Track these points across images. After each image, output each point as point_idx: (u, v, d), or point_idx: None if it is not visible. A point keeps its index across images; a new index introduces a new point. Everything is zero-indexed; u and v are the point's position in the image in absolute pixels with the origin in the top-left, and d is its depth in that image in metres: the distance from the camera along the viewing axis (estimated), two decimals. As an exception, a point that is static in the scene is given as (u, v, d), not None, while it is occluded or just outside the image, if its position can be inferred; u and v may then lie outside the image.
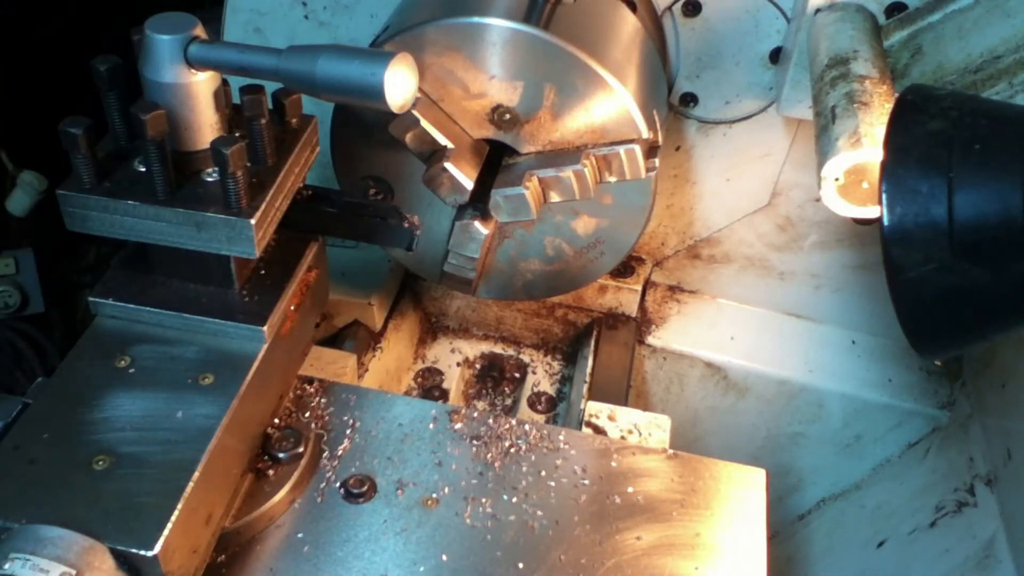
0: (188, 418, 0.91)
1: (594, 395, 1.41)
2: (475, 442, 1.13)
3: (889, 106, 0.95)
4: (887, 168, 0.85)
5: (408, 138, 1.11)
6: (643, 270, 1.58)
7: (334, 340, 1.47)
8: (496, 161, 1.17)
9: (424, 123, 1.09)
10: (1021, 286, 0.82)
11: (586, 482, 1.10)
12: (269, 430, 1.07)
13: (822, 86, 1.05)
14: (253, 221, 0.91)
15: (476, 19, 1.04)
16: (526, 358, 1.59)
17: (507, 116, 1.11)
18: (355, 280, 1.48)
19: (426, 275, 1.32)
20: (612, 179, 1.11)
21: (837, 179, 0.94)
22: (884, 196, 0.84)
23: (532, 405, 1.50)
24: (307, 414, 1.13)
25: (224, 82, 0.96)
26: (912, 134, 0.86)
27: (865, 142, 0.91)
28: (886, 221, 0.84)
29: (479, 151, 1.16)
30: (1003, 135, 0.83)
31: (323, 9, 1.39)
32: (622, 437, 1.21)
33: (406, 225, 1.08)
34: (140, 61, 0.90)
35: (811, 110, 1.07)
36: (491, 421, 1.15)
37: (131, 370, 0.95)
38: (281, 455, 1.06)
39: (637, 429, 1.23)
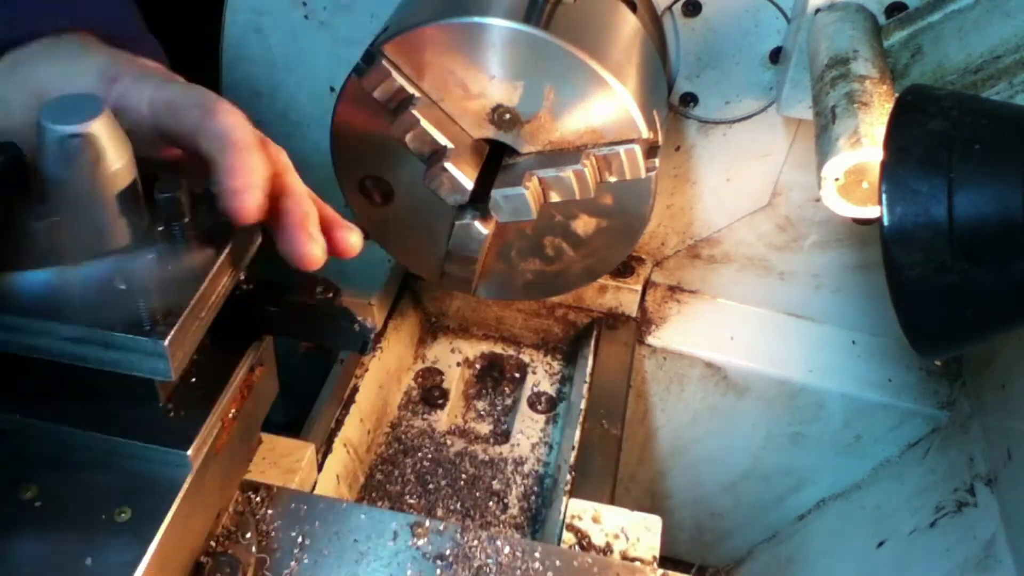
0: (99, 567, 0.78)
1: (594, 394, 1.41)
2: (439, 562, 1.00)
3: (889, 106, 0.95)
4: (887, 168, 0.85)
5: (408, 138, 1.11)
6: (643, 270, 1.58)
7: (334, 340, 1.47)
8: (496, 161, 1.17)
9: (424, 123, 1.09)
10: (1021, 286, 0.82)
11: None
12: (202, 558, 0.94)
13: (822, 86, 1.05)
14: (166, 343, 0.77)
15: (476, 19, 1.04)
16: (526, 358, 1.59)
17: (507, 116, 1.11)
18: (355, 280, 1.48)
19: (426, 275, 1.32)
20: (612, 179, 1.11)
21: (837, 179, 0.94)
22: (884, 196, 0.84)
23: (532, 405, 1.50)
24: (248, 534, 0.98)
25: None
26: (912, 134, 0.86)
27: (865, 142, 0.91)
28: (886, 221, 0.84)
29: (479, 151, 1.16)
30: (1003, 135, 0.83)
31: (323, 9, 1.39)
32: (607, 544, 1.10)
33: (357, 328, 0.97)
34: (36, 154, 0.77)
35: (811, 110, 1.07)
36: (458, 536, 1.02)
37: (37, 503, 0.82)
38: None
39: (624, 533, 1.11)
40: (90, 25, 0.93)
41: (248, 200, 0.82)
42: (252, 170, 0.82)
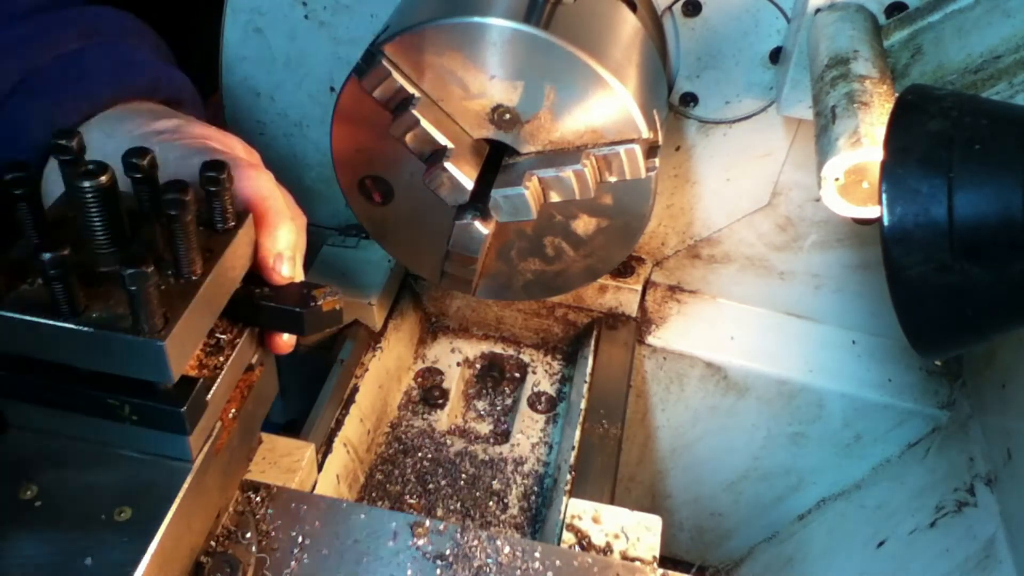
0: (99, 567, 0.78)
1: (594, 394, 1.41)
2: (439, 562, 1.00)
3: (889, 106, 0.95)
4: (887, 168, 0.85)
5: (408, 138, 1.11)
6: (643, 270, 1.58)
7: (334, 340, 1.47)
8: (496, 161, 1.17)
9: (424, 123, 1.09)
10: (1021, 286, 0.82)
11: None
12: (202, 558, 0.94)
13: (822, 86, 1.05)
14: (166, 345, 0.77)
15: (476, 19, 1.04)
16: (526, 358, 1.59)
17: (507, 116, 1.11)
18: (355, 280, 1.48)
19: (426, 275, 1.32)
20: (612, 179, 1.11)
21: (837, 179, 0.94)
22: (884, 196, 0.84)
23: (532, 405, 1.50)
24: (248, 534, 0.99)
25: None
26: (912, 134, 0.86)
27: (865, 142, 0.91)
28: (886, 221, 0.84)
29: (479, 151, 1.16)
30: (1003, 135, 0.83)
31: (323, 9, 1.39)
32: (607, 544, 1.10)
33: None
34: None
35: (811, 110, 1.07)
36: (458, 535, 1.03)
37: (37, 503, 0.82)
38: None
39: (624, 533, 1.11)
40: (147, 94, 1.13)
41: (283, 269, 0.97)
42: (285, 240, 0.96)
